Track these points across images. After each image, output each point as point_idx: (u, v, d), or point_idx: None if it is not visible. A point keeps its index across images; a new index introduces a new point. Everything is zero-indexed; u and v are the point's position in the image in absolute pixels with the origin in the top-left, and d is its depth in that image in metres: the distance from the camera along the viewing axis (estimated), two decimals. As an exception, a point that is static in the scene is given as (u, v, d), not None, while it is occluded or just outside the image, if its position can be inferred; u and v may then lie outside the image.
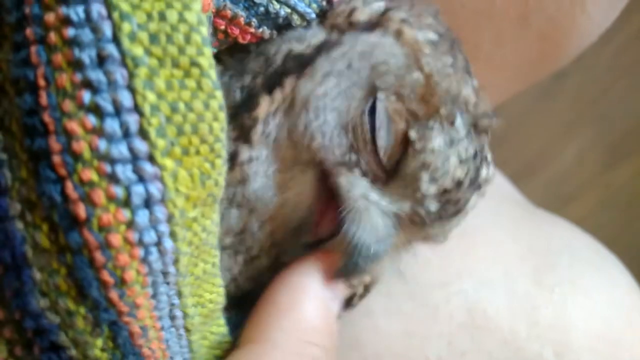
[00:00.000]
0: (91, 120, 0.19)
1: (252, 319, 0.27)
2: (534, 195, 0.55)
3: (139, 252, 0.20)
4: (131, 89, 0.19)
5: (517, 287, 0.41)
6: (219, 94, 0.21)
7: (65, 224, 0.19)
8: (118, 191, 0.20)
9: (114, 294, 0.21)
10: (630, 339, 0.42)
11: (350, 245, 0.26)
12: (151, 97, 0.20)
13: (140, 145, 0.20)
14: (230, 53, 0.28)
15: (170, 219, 0.21)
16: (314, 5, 0.28)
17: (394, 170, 0.27)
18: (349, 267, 0.26)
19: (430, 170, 0.26)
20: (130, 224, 0.20)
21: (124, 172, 0.20)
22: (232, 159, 0.27)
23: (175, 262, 0.22)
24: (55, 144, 0.19)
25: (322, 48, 0.27)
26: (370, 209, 0.27)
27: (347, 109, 0.27)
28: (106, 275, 0.20)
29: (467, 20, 0.35)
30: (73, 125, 0.19)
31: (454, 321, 0.39)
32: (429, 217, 0.27)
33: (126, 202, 0.20)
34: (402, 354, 0.38)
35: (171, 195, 0.21)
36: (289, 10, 0.27)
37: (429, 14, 0.28)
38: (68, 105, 0.19)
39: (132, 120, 0.19)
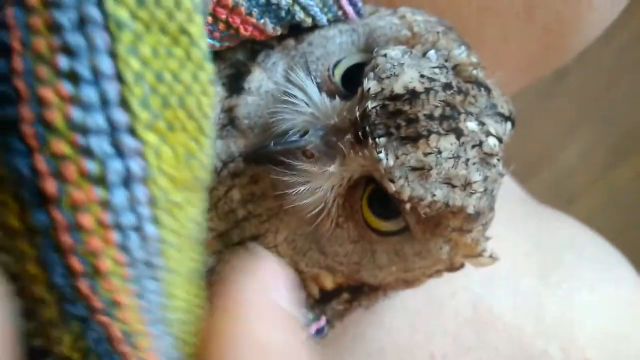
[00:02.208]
0: (67, 87, 0.17)
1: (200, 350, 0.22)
2: (536, 195, 0.55)
3: (115, 236, 0.18)
4: (113, 55, 0.18)
5: (522, 283, 0.41)
6: (209, 66, 0.20)
7: (34, 201, 0.17)
8: (91, 166, 0.17)
9: (83, 285, 0.18)
10: (635, 334, 0.41)
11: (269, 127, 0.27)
12: (135, 64, 0.18)
13: (120, 116, 0.18)
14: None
15: (152, 201, 0.19)
16: (330, 15, 0.29)
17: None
18: (259, 147, 0.26)
19: (377, 70, 0.25)
20: (105, 204, 0.18)
21: (100, 144, 0.17)
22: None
23: (162, 253, 0.19)
24: (27, 112, 0.17)
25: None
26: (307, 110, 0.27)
27: (333, 54, 0.28)
28: (74, 261, 0.18)
29: (472, 16, 0.35)
30: (47, 93, 0.17)
31: (460, 317, 0.39)
32: (368, 121, 0.24)
33: (100, 179, 0.18)
34: (407, 349, 0.38)
35: (153, 174, 0.18)
36: (289, 1, 0.27)
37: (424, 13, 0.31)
38: (43, 71, 0.17)
39: (112, 88, 0.18)
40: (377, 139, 0.24)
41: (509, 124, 0.27)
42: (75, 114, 0.17)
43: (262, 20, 0.27)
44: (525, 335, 0.40)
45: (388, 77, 0.25)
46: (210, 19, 0.26)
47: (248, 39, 0.28)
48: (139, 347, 0.20)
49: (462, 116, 0.25)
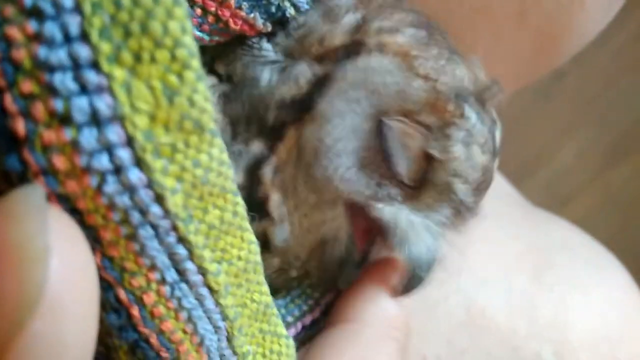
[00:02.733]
0: (32, 25, 0.16)
1: (342, 303, 0.29)
2: (532, 196, 0.55)
3: (90, 180, 0.17)
4: None
5: (515, 285, 0.41)
6: None
7: (4, 145, 0.16)
8: (58, 104, 0.16)
9: None
10: (628, 337, 0.41)
11: (410, 265, 0.27)
12: None
13: (82, 50, 0.17)
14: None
15: (130, 141, 0.17)
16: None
17: (422, 183, 0.27)
18: (413, 282, 0.28)
19: (461, 177, 0.26)
20: (75, 145, 0.17)
21: (63, 81, 0.16)
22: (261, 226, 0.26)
23: (158, 199, 0.18)
24: None
25: (314, 88, 0.26)
26: (417, 229, 0.27)
27: (359, 147, 0.26)
28: (54, 204, 0.17)
29: (464, 17, 0.35)
30: (13, 32, 0.16)
31: (453, 319, 0.39)
32: (469, 209, 0.28)
33: (68, 118, 0.17)
34: (400, 352, 0.38)
35: (125, 111, 0.17)
36: None
37: (394, 9, 0.28)
38: (9, 10, 0.16)
39: (73, 22, 0.17)
40: (473, 210, 0.28)
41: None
42: (41, 51, 0.16)
43: (252, 15, 0.26)
44: (518, 338, 0.40)
45: (471, 174, 0.26)
46: (199, 11, 0.25)
47: (239, 33, 0.27)
48: (132, 284, 0.19)
49: (497, 135, 0.28)
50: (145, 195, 0.18)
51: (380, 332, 0.27)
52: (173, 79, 0.18)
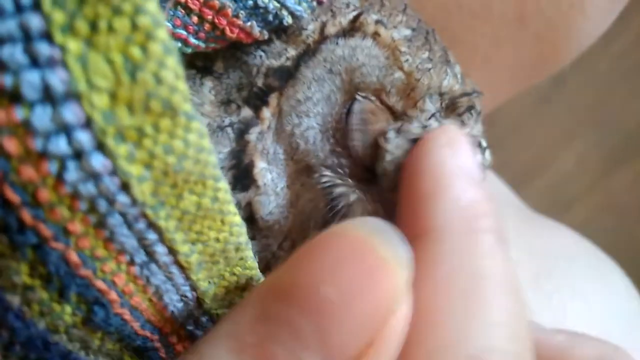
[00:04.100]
0: None
1: (408, 216, 0.23)
2: (532, 201, 0.55)
3: (48, 166, 0.15)
4: None
5: (515, 292, 0.40)
6: None
7: None
8: (7, 80, 0.15)
9: (26, 215, 0.16)
10: (630, 345, 0.41)
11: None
12: None
13: (33, 20, 0.15)
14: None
15: (88, 123, 0.16)
16: (304, 5, 0.27)
17: (370, 168, 0.27)
18: None
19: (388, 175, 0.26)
20: (27, 125, 0.15)
21: (12, 54, 0.15)
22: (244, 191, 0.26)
23: (125, 187, 0.17)
24: None
25: (301, 58, 0.27)
26: (353, 207, 0.26)
27: (330, 113, 0.27)
28: (9, 192, 0.16)
29: (464, 22, 0.35)
30: None
31: None
32: None
33: (18, 95, 0.15)
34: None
35: (80, 88, 0.15)
36: (277, 5, 0.26)
37: (399, 10, 0.28)
38: None
39: None
40: None
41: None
42: None
43: (249, 23, 0.26)
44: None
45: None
46: (195, 19, 0.25)
47: (234, 41, 0.27)
48: (106, 271, 0.18)
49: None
50: (110, 183, 0.16)
51: (460, 232, 0.22)
52: (135, 51, 0.16)
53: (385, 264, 0.18)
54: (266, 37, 0.27)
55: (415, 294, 0.20)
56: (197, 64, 0.28)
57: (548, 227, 0.47)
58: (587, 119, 1.12)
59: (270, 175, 0.27)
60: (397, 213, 0.24)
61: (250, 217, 0.27)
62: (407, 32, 0.28)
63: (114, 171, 0.16)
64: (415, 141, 0.25)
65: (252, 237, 0.27)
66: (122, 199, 0.17)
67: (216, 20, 0.26)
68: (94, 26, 0.15)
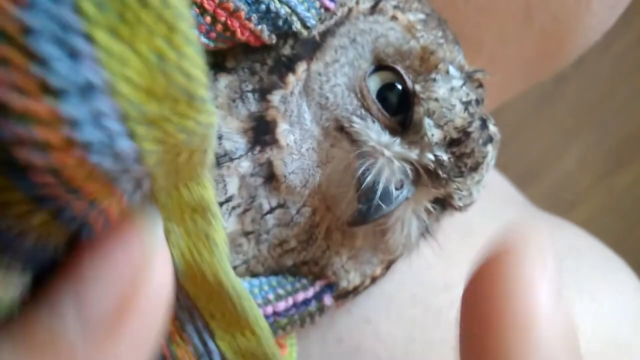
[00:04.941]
0: None
1: (464, 341, 0.21)
2: (535, 202, 0.55)
3: (82, 153, 0.16)
4: None
5: (522, 290, 0.40)
6: None
7: None
8: (38, 71, 0.16)
9: (58, 192, 0.17)
10: (638, 342, 0.41)
11: (367, 187, 0.27)
12: None
13: (67, 15, 0.16)
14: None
15: (121, 115, 0.17)
16: (313, 11, 0.28)
17: (404, 124, 0.29)
18: (366, 210, 0.27)
19: (435, 117, 0.28)
20: (62, 114, 0.16)
21: (45, 46, 0.16)
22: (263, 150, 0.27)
23: (141, 160, 0.18)
24: None
25: (327, 32, 0.29)
26: (384, 152, 0.27)
27: (355, 76, 0.29)
28: (46, 179, 0.17)
29: (470, 17, 0.35)
30: None
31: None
32: (445, 169, 0.28)
33: (50, 86, 0.16)
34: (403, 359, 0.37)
35: (113, 80, 0.16)
36: (289, 11, 0.27)
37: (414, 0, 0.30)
38: None
39: None
40: (455, 179, 0.28)
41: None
42: (24, 16, 0.15)
43: (259, 27, 0.27)
44: (525, 344, 0.39)
45: (446, 124, 0.28)
46: (209, 19, 0.26)
47: (242, 42, 0.28)
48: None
49: (488, 122, 0.29)
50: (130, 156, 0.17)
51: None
52: (165, 47, 0.17)
53: (134, 225, 0.20)
54: (274, 41, 0.28)
55: None
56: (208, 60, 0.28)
57: (554, 225, 0.47)
58: (588, 119, 1.12)
59: (294, 137, 0.28)
60: (459, 334, 0.21)
61: (270, 175, 0.27)
62: (422, 15, 0.30)
63: (136, 151, 0.17)
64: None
65: (274, 206, 0.28)
66: (136, 167, 0.18)
67: (229, 22, 0.26)
68: (122, 17, 0.16)
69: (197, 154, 0.20)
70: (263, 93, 0.28)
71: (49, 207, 0.18)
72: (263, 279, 0.29)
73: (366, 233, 0.29)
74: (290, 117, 0.28)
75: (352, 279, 0.31)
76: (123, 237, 0.20)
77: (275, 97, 0.27)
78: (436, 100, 0.28)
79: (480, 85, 0.30)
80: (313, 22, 0.28)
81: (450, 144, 0.28)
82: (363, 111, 0.29)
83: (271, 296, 0.29)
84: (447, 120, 0.28)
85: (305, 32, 0.28)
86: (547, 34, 0.36)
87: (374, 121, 0.28)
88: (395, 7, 0.29)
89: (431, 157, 0.28)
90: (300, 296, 0.30)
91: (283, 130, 0.27)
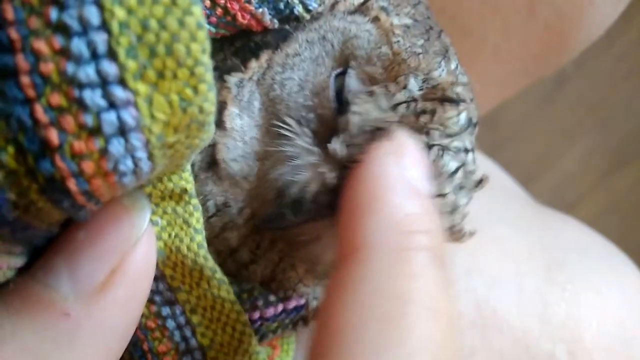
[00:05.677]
0: (59, 40, 0.17)
1: (342, 230, 0.23)
2: (537, 201, 0.54)
3: (114, 178, 0.19)
4: (99, 5, 0.18)
5: (527, 284, 0.40)
6: (198, 10, 0.19)
7: (35, 149, 0.18)
8: (88, 119, 0.18)
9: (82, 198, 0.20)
10: (643, 336, 0.41)
11: (280, 192, 0.26)
12: (120, 13, 0.18)
13: (109, 68, 0.18)
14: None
15: (147, 144, 0.19)
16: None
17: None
18: (275, 216, 0.26)
19: (350, 134, 0.26)
20: (104, 153, 0.19)
21: (93, 97, 0.18)
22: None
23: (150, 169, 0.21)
24: (23, 62, 0.17)
25: (300, 23, 0.28)
26: (305, 161, 0.26)
27: (314, 73, 0.28)
28: (81, 199, 0.19)
29: (474, 11, 0.35)
30: (40, 45, 0.17)
31: (464, 320, 0.38)
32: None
33: (97, 130, 0.18)
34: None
35: (146, 122, 0.19)
36: None
37: (409, 3, 0.29)
38: (35, 22, 0.17)
39: (100, 39, 0.18)
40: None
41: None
42: (68, 67, 0.18)
43: (260, 10, 0.26)
44: (531, 338, 0.39)
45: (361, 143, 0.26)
46: (208, 3, 0.26)
47: (245, 28, 0.27)
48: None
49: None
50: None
51: (393, 248, 0.21)
52: (189, 92, 0.19)
53: (126, 209, 0.22)
54: (276, 26, 0.27)
55: (332, 313, 0.20)
56: None
57: (558, 220, 0.47)
58: (589, 118, 1.12)
59: (241, 122, 0.27)
60: (336, 226, 0.23)
61: (212, 161, 0.27)
62: (408, 21, 0.28)
63: (151, 167, 0.20)
64: (376, 130, 0.25)
65: (220, 207, 0.27)
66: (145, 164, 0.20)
67: (228, 5, 0.26)
68: (161, 75, 0.19)
69: (188, 154, 0.23)
70: (221, 73, 0.27)
71: (68, 209, 0.20)
72: (257, 283, 0.29)
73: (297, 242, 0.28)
74: (240, 101, 0.27)
75: (319, 294, 0.29)
76: (115, 215, 0.22)
77: (232, 79, 0.27)
78: (359, 114, 0.26)
79: (444, 99, 0.27)
80: (315, 5, 0.27)
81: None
82: (305, 112, 0.27)
83: (260, 302, 0.28)
84: (363, 140, 0.26)
85: (307, 16, 0.27)
86: (550, 29, 0.37)
87: (309, 125, 0.27)
88: (382, 8, 0.28)
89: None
90: (292, 303, 0.29)
91: (230, 113, 0.27)
